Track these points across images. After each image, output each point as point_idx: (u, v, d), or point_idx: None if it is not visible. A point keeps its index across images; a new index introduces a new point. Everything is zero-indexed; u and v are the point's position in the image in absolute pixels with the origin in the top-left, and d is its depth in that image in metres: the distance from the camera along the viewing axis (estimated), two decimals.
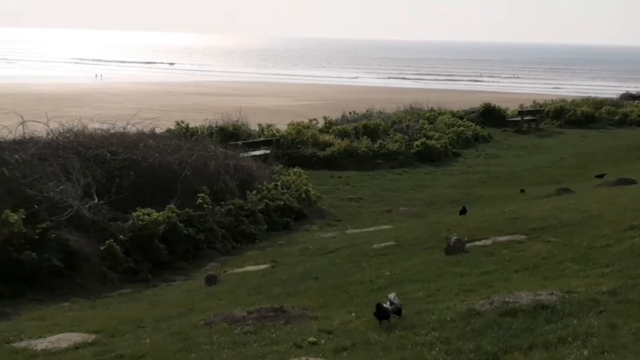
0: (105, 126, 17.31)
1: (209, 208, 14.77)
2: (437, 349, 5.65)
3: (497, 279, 7.97)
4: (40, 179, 13.53)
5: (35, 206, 12.72)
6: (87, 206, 13.37)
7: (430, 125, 29.08)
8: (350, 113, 31.71)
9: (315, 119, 28.31)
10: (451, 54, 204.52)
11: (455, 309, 6.66)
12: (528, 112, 35.51)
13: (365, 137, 26.11)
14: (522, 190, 18.77)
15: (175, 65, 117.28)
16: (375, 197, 19.76)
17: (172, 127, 23.90)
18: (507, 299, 6.61)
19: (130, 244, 13.12)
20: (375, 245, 11.75)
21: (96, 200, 13.73)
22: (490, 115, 34.31)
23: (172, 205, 14.11)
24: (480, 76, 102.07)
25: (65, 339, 7.74)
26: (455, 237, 10.21)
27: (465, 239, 10.38)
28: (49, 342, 7.71)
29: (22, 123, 16.02)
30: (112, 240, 12.77)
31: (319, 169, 23.16)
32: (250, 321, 7.36)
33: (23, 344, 7.80)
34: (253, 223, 15.48)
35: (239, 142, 21.81)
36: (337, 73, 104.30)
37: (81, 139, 15.95)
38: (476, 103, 37.40)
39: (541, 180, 21.35)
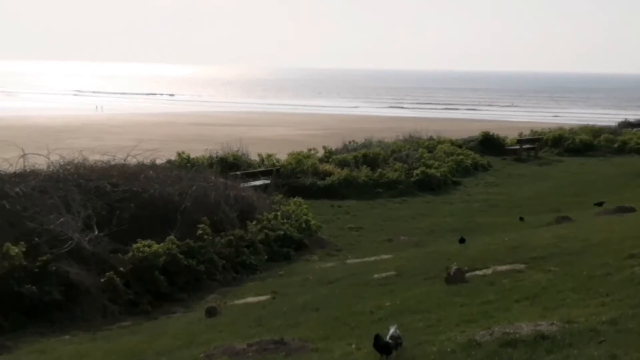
0: (105, 158, 17.36)
1: (209, 239, 14.77)
2: None
3: (498, 309, 7.96)
4: (41, 212, 13.55)
5: (36, 239, 12.73)
6: (87, 238, 13.38)
7: (430, 154, 29.20)
8: (349, 142, 31.79)
9: (314, 149, 28.40)
10: (449, 83, 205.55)
11: (455, 340, 6.66)
12: (527, 141, 35.67)
13: (365, 166, 26.21)
14: (521, 219, 18.78)
15: (175, 96, 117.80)
16: (376, 226, 19.75)
17: (173, 158, 23.95)
18: (507, 330, 6.61)
19: (131, 276, 13.09)
20: (375, 275, 11.74)
21: (96, 233, 13.74)
22: (489, 144, 34.47)
23: (172, 237, 14.11)
24: (479, 104, 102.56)
25: None
26: (455, 267, 10.21)
27: (466, 268, 10.39)
28: None
29: (23, 156, 16.09)
30: (112, 272, 12.75)
31: (319, 198, 23.12)
32: (250, 354, 7.35)
33: None
34: (253, 254, 15.47)
35: (238, 173, 21.86)
36: (337, 102, 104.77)
37: (82, 171, 16.00)
38: (475, 132, 37.59)
39: (541, 208, 21.38)
